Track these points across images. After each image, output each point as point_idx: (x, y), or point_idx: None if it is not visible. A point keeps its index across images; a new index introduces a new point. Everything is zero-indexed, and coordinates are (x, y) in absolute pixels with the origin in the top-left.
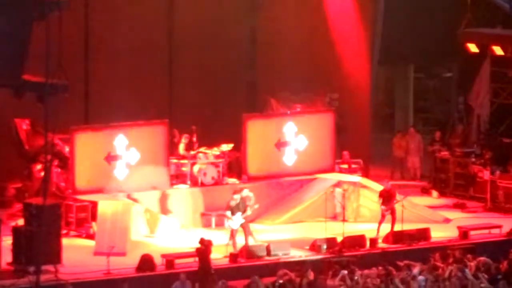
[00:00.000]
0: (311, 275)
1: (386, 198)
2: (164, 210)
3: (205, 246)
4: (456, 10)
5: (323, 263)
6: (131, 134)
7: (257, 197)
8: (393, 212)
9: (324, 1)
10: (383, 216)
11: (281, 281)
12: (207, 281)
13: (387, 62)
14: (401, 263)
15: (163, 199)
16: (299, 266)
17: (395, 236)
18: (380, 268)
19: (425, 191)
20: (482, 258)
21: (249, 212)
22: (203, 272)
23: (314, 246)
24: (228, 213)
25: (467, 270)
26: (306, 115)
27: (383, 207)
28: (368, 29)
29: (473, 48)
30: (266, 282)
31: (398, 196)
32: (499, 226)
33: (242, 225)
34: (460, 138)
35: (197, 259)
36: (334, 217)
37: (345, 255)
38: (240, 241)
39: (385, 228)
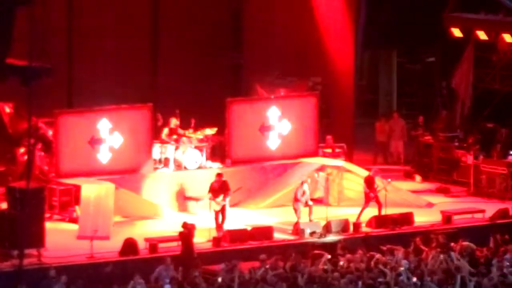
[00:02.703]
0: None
1: (371, 184)
2: (148, 194)
3: (188, 230)
4: None
5: (306, 247)
6: (115, 118)
7: (241, 181)
8: (377, 199)
9: None
10: (366, 202)
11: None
12: (190, 265)
13: (371, 47)
14: (384, 248)
15: (147, 183)
16: (282, 250)
17: (378, 221)
18: (361, 252)
19: (409, 176)
20: (465, 243)
21: (230, 195)
22: (186, 256)
23: (296, 230)
24: (210, 195)
25: (452, 254)
26: (289, 99)
27: (371, 194)
28: (352, 13)
29: (457, 32)
30: (249, 266)
31: (381, 181)
32: (482, 211)
33: (221, 209)
34: (444, 123)
35: (180, 243)
36: (319, 201)
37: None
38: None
39: (367, 214)
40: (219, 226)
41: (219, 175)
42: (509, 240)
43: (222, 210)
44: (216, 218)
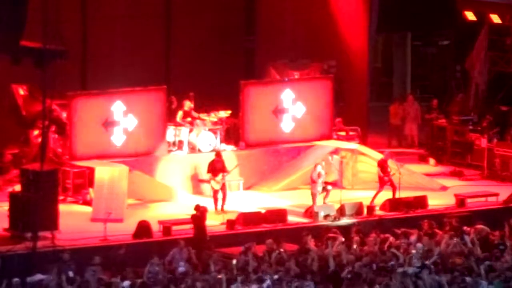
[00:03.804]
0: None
1: (384, 168)
2: (162, 176)
3: (200, 213)
4: None
5: (320, 230)
6: (129, 100)
7: (254, 163)
8: (391, 183)
9: None
10: (381, 186)
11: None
12: (203, 248)
13: (385, 30)
14: (398, 231)
15: (161, 166)
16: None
17: (392, 204)
18: (375, 235)
19: (423, 159)
20: (479, 226)
21: (229, 174)
22: (198, 239)
23: (310, 213)
24: (210, 175)
25: (466, 237)
26: (304, 82)
27: (386, 178)
28: None
29: (470, 16)
30: (263, 249)
31: (395, 164)
32: (496, 194)
33: (222, 187)
34: (459, 106)
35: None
36: (333, 184)
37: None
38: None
39: (381, 197)
40: (218, 205)
41: (218, 154)
42: None
43: (223, 188)
44: (215, 197)
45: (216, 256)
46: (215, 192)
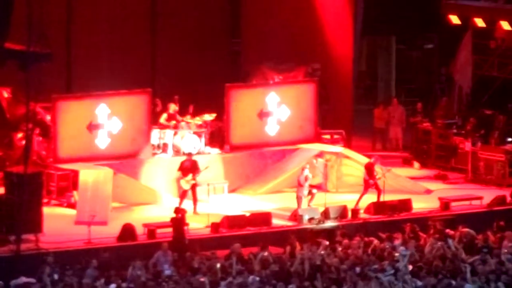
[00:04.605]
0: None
1: (371, 171)
2: (146, 179)
3: (180, 216)
4: None
5: (305, 233)
6: (113, 103)
7: (239, 167)
8: (376, 186)
9: None
10: (366, 189)
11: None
12: (182, 250)
13: (370, 33)
14: (383, 235)
15: (145, 169)
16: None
17: (377, 207)
18: (359, 238)
19: (407, 162)
20: (464, 229)
21: (199, 175)
22: (177, 241)
23: (295, 216)
24: (179, 173)
25: (450, 241)
26: (288, 85)
27: (371, 181)
28: (351, 0)
29: (455, 20)
30: (247, 252)
31: (381, 168)
32: (480, 198)
33: (192, 188)
34: (444, 110)
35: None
36: (317, 187)
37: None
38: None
39: (365, 200)
40: (180, 203)
41: (189, 154)
42: (505, 227)
43: (193, 189)
44: (182, 197)
45: (200, 259)
46: (183, 192)
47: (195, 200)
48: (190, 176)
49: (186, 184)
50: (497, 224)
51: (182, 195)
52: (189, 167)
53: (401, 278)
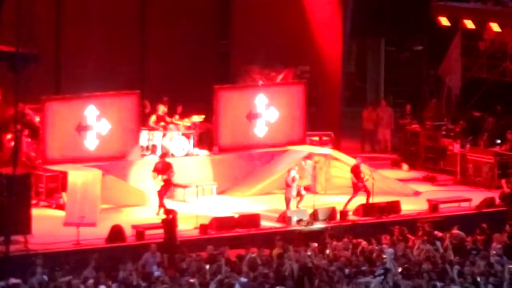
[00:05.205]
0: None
1: (357, 174)
2: (135, 181)
3: (171, 217)
4: None
5: (293, 234)
6: (102, 105)
7: (228, 168)
8: (365, 188)
9: None
10: (355, 192)
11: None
12: (174, 252)
13: (359, 35)
14: (372, 238)
15: (134, 170)
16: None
17: (366, 209)
18: (346, 240)
19: (396, 164)
20: (455, 231)
21: (172, 176)
22: (169, 243)
23: (283, 218)
24: (154, 174)
25: (438, 243)
26: (277, 87)
27: (360, 184)
28: (341, 1)
29: (444, 21)
30: (236, 253)
31: (368, 169)
32: (469, 200)
33: (161, 189)
34: (433, 112)
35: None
36: (306, 189)
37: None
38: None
39: (354, 202)
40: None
41: (162, 156)
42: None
43: (161, 190)
44: (161, 194)
45: (189, 261)
46: (160, 191)
47: (160, 201)
48: (160, 177)
49: (160, 183)
50: (480, 226)
51: (160, 192)
52: (160, 169)
53: (391, 279)
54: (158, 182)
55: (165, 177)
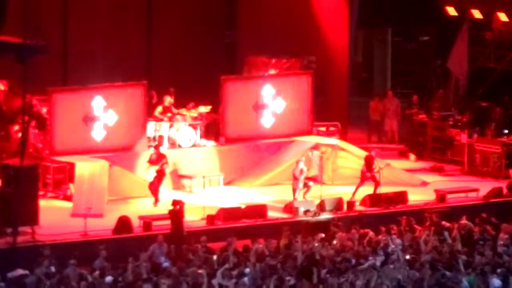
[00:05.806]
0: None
1: (370, 164)
2: (142, 172)
3: (178, 208)
4: None
5: (300, 225)
6: (109, 96)
7: (235, 159)
8: (374, 179)
9: None
10: (362, 181)
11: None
12: (181, 243)
13: (366, 25)
14: (382, 228)
15: (141, 161)
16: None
17: (373, 199)
18: (354, 231)
19: (403, 154)
20: (463, 221)
21: (167, 167)
22: (176, 233)
23: (290, 209)
24: (147, 164)
25: (446, 233)
26: (284, 77)
27: (368, 174)
28: None
29: (452, 11)
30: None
31: (380, 162)
32: (476, 190)
33: (154, 180)
34: (440, 102)
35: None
36: (313, 179)
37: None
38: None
39: (361, 192)
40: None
41: (156, 147)
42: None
43: (154, 181)
44: (157, 183)
45: (197, 251)
46: (153, 181)
47: (155, 192)
48: (154, 168)
49: (150, 176)
50: (480, 216)
51: (154, 181)
52: (154, 160)
53: (399, 269)
54: (150, 173)
55: (157, 167)
